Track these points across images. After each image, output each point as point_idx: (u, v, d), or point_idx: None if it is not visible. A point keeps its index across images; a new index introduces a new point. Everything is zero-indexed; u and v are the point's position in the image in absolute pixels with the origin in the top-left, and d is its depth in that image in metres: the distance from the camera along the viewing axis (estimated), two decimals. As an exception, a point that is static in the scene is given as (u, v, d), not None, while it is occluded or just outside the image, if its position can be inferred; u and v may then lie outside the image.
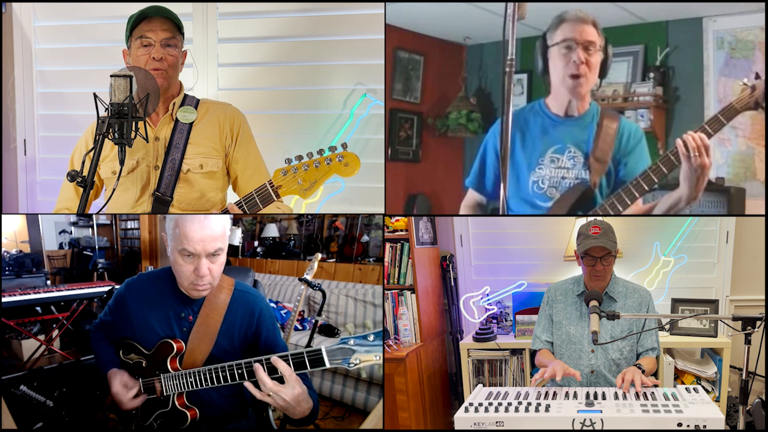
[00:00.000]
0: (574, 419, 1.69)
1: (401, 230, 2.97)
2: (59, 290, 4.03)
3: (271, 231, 5.94)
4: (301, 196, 1.95)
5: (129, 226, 6.93)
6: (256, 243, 6.16)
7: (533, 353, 2.34)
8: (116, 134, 1.85)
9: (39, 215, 5.65)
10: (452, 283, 3.24)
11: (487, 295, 3.10)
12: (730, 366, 2.71)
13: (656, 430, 1.67)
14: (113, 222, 6.93)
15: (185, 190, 2.17)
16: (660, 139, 3.67)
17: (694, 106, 3.62)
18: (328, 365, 1.43)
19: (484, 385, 2.18)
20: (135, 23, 2.10)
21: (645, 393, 1.89)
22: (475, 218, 3.17)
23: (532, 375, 2.81)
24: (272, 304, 4.51)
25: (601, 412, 1.72)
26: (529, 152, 2.14)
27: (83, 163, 1.88)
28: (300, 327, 4.17)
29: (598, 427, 1.68)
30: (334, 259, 5.09)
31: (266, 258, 5.78)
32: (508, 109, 1.78)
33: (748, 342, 1.76)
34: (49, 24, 2.94)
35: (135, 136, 1.89)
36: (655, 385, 1.98)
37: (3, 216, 3.72)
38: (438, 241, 3.31)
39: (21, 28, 2.93)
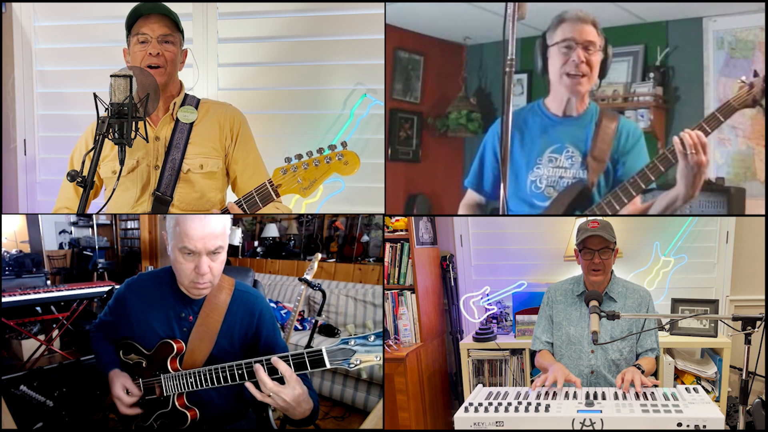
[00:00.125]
0: (574, 419, 1.69)
1: (401, 230, 2.97)
2: (59, 290, 4.03)
3: (271, 231, 5.94)
4: (301, 195, 1.95)
5: (129, 226, 6.93)
6: (256, 243, 6.17)
7: (533, 354, 2.34)
8: (116, 134, 1.85)
9: (39, 215, 5.65)
10: (452, 283, 3.24)
11: (487, 295, 3.10)
12: (730, 366, 2.71)
13: (656, 430, 1.67)
14: (113, 222, 6.93)
15: (185, 190, 2.17)
16: (660, 139, 3.67)
17: (694, 106, 3.62)
18: (328, 366, 1.43)
19: (484, 385, 2.18)
20: (132, 21, 2.10)
21: (645, 393, 1.89)
22: (475, 218, 3.17)
23: (532, 375, 2.82)
24: (272, 304, 4.51)
25: (601, 412, 1.72)
26: (528, 152, 2.14)
27: (83, 162, 1.88)
28: (300, 327, 4.17)
29: (598, 427, 1.68)
30: (334, 259, 5.09)
31: (266, 258, 5.78)
32: (508, 109, 1.79)
33: (748, 342, 1.76)
34: (49, 24, 2.94)
35: (135, 136, 1.89)
36: (655, 385, 1.98)
37: (3, 216, 3.72)
38: (438, 241, 3.31)
39: (21, 28, 2.93)
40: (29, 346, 4.05)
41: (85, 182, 1.86)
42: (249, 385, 1.52)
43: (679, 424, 1.65)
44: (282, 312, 4.35)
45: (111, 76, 1.84)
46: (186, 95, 2.23)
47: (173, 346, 1.68)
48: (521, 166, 2.14)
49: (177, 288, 1.73)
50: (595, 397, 1.87)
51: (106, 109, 1.85)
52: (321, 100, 2.76)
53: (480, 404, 1.81)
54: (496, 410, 1.77)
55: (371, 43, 2.70)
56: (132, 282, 1.84)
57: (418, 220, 3.07)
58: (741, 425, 1.85)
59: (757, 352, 1.99)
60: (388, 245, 2.98)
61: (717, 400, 2.65)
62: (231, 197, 2.26)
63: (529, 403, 1.80)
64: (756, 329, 1.74)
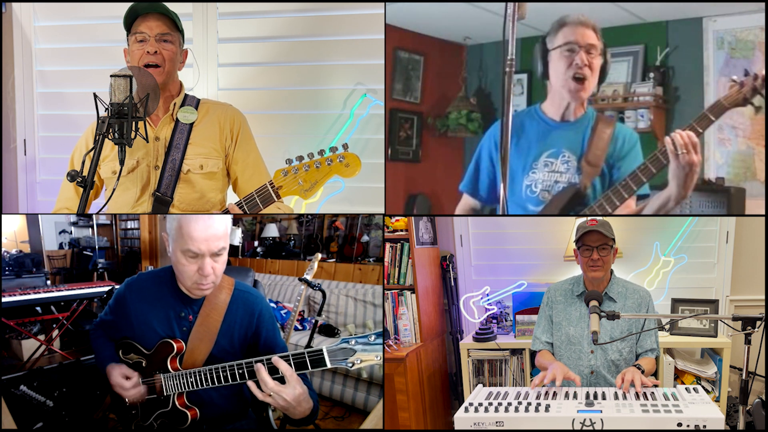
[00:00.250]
0: (574, 419, 1.69)
1: (401, 230, 2.97)
2: (59, 290, 4.03)
3: (271, 231, 5.94)
4: (302, 197, 1.95)
5: (129, 226, 6.93)
6: (256, 243, 6.17)
7: (533, 354, 2.34)
8: (116, 134, 1.85)
9: (39, 215, 5.65)
10: (452, 283, 3.24)
11: (487, 295, 3.10)
12: (730, 366, 2.72)
13: (656, 430, 1.67)
14: (113, 222, 6.93)
15: (185, 191, 2.17)
16: (660, 139, 3.66)
17: (694, 106, 3.62)
18: (329, 365, 1.43)
19: (484, 385, 2.19)
20: (131, 21, 2.10)
21: (645, 393, 1.89)
22: (475, 218, 3.17)
23: (532, 375, 2.82)
24: (272, 304, 4.51)
25: (601, 412, 1.72)
26: (524, 156, 2.14)
27: (83, 163, 1.88)
28: (300, 327, 4.17)
29: (598, 427, 1.68)
30: (334, 259, 5.09)
31: (266, 258, 5.78)
32: (508, 109, 1.78)
33: (748, 342, 1.76)
34: (49, 24, 2.94)
35: (135, 136, 1.89)
36: (655, 386, 1.98)
37: (3, 216, 3.72)
38: (438, 241, 3.31)
39: (21, 28, 2.93)
40: (29, 346, 4.05)
41: (85, 182, 1.86)
42: (250, 384, 1.52)
43: (679, 424, 1.65)
44: (282, 312, 4.35)
45: (111, 76, 1.84)
46: (186, 95, 2.23)
47: (173, 345, 1.68)
48: (517, 170, 2.14)
49: (177, 287, 1.73)
50: (595, 397, 1.87)
51: (106, 109, 1.85)
52: (321, 100, 2.76)
53: (480, 404, 1.81)
54: (496, 410, 1.77)
55: (371, 43, 2.70)
56: (132, 281, 1.84)
57: (418, 220, 3.07)
58: (741, 425, 1.85)
59: (757, 352, 1.99)
60: (388, 245, 2.98)
61: (717, 400, 2.65)
62: (231, 197, 2.26)
63: (529, 403, 1.80)
64: (756, 329, 1.75)
